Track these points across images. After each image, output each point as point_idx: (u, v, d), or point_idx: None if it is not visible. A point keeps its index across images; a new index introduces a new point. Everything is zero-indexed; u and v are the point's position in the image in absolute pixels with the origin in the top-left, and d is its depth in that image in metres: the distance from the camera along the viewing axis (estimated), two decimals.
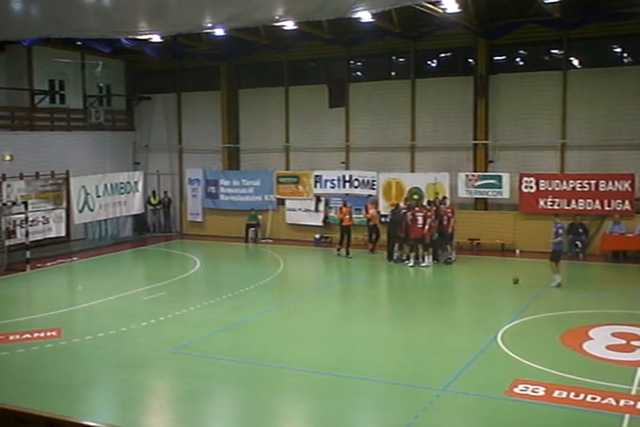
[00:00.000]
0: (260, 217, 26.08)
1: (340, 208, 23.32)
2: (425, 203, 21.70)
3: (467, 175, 23.21)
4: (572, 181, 21.92)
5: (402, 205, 21.78)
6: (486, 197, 23.15)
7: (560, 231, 17.81)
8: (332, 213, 25.32)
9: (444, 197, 22.12)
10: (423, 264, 20.55)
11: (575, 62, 22.76)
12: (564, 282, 17.78)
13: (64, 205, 24.17)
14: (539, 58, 23.32)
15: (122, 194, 26.20)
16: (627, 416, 9.40)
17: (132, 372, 11.71)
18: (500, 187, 22.74)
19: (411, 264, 20.67)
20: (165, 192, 28.53)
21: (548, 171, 22.59)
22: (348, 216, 22.66)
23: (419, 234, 20.37)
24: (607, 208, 21.44)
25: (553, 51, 23.09)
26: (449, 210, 21.21)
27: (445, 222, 20.85)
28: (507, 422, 9.54)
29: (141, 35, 12.76)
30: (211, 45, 24.94)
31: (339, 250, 22.54)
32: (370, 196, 24.05)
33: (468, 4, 20.41)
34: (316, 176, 25.49)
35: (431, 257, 20.69)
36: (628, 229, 21.03)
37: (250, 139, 27.50)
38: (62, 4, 5.26)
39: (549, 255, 17.85)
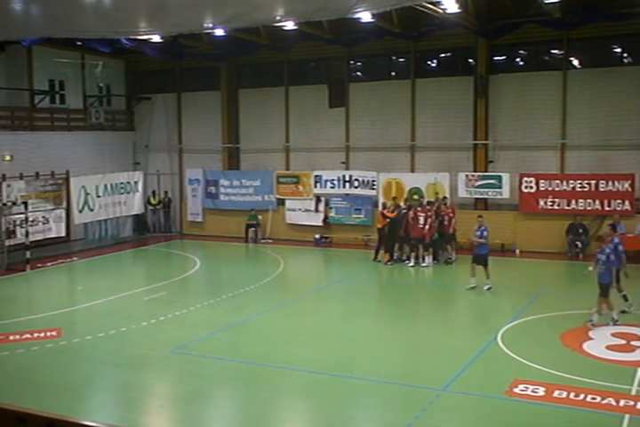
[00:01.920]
0: (259, 217, 26.07)
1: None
2: (425, 203, 21.70)
3: (467, 175, 23.21)
4: (571, 181, 21.91)
5: (402, 205, 21.76)
6: (486, 197, 23.14)
7: (485, 234, 17.20)
8: (332, 214, 25.33)
9: (445, 197, 22.12)
10: (423, 264, 20.54)
11: (575, 62, 22.75)
12: (566, 283, 17.69)
13: (64, 205, 24.18)
14: (539, 58, 23.32)
15: (122, 194, 26.18)
16: (627, 416, 9.40)
17: (132, 372, 11.72)
18: (500, 187, 22.74)
19: (411, 264, 20.67)
20: (166, 192, 28.53)
21: (548, 171, 22.58)
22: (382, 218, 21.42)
23: (419, 234, 20.38)
24: (607, 208, 21.44)
25: (553, 51, 23.08)
26: (449, 210, 21.21)
27: (446, 223, 20.85)
28: (507, 422, 9.54)
29: (142, 35, 12.76)
30: (211, 45, 24.95)
31: (388, 261, 21.06)
32: (395, 198, 22.93)
33: (468, 4, 20.41)
34: (316, 176, 25.49)
35: (431, 257, 20.68)
36: (628, 230, 21.02)
37: (250, 139, 27.50)
38: (63, 4, 5.26)
39: (472, 258, 17.38)
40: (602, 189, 21.46)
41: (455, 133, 23.84)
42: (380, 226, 21.35)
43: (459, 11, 19.09)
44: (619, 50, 22.32)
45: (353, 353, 12.58)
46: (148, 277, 20.91)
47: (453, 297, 18.12)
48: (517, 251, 22.35)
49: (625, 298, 14.78)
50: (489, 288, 17.10)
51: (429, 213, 20.65)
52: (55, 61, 25.41)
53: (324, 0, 4.84)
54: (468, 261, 21.19)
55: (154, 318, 14.81)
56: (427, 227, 20.41)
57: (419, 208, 20.91)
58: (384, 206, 22.12)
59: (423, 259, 20.66)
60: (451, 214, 21.04)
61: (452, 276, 20.10)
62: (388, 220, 21.14)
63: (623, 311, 14.50)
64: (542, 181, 22.24)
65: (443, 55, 24.75)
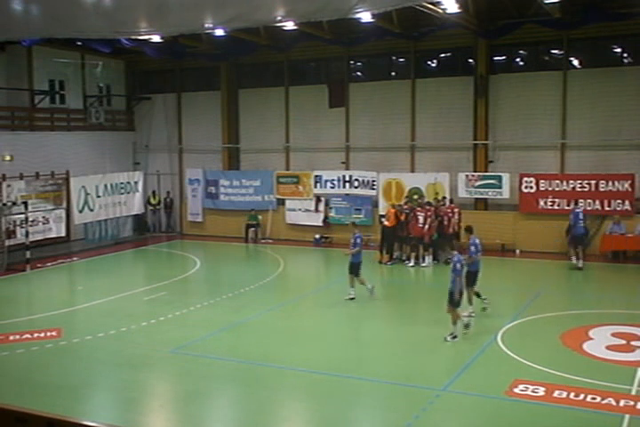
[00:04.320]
0: (260, 217, 26.07)
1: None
2: (424, 202, 21.70)
3: (467, 175, 23.20)
4: (571, 181, 21.91)
5: (404, 205, 21.73)
6: (486, 197, 23.13)
7: (358, 241, 16.19)
8: (332, 214, 25.33)
9: (444, 198, 22.08)
10: (423, 264, 20.53)
11: (575, 62, 22.75)
12: (566, 283, 17.57)
13: (64, 205, 24.18)
14: (539, 58, 23.32)
15: (122, 194, 26.19)
16: (627, 416, 9.40)
17: (132, 372, 11.72)
18: (500, 187, 22.73)
19: (411, 264, 20.67)
20: (168, 192, 28.53)
21: (548, 171, 22.58)
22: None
23: (419, 233, 20.38)
24: (607, 208, 21.44)
25: (553, 51, 23.08)
26: (449, 210, 21.18)
27: (445, 223, 20.84)
28: (507, 422, 9.54)
29: (143, 35, 12.77)
30: (211, 45, 24.94)
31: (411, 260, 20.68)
32: (407, 197, 22.83)
33: (468, 4, 20.40)
34: (316, 176, 25.49)
35: (431, 257, 20.67)
36: (628, 230, 21.03)
37: (250, 139, 27.50)
38: (64, 4, 5.26)
39: (348, 267, 16.28)
40: (602, 189, 21.46)
41: (455, 133, 23.84)
42: (389, 225, 21.16)
43: (459, 11, 19.09)
44: (619, 50, 22.31)
45: (353, 353, 12.58)
46: (148, 278, 20.91)
47: None
48: (517, 251, 22.35)
49: (478, 295, 14.66)
50: (351, 298, 16.19)
51: (429, 213, 20.64)
52: (55, 61, 25.40)
53: (324, 0, 4.85)
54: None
55: (154, 319, 14.81)
56: (426, 226, 20.40)
57: (418, 208, 20.91)
58: (396, 206, 21.58)
59: (423, 259, 20.65)
60: (450, 214, 21.02)
61: None
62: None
63: (484, 309, 14.57)
64: (542, 181, 22.24)
65: (443, 55, 24.74)
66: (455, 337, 12.92)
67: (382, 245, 21.35)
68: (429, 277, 19.94)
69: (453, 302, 12.96)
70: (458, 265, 13.03)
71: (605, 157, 22.01)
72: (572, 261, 19.69)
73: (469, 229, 15.00)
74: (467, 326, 13.14)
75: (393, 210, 21.32)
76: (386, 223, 21.28)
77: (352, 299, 16.17)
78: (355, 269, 16.21)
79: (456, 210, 21.33)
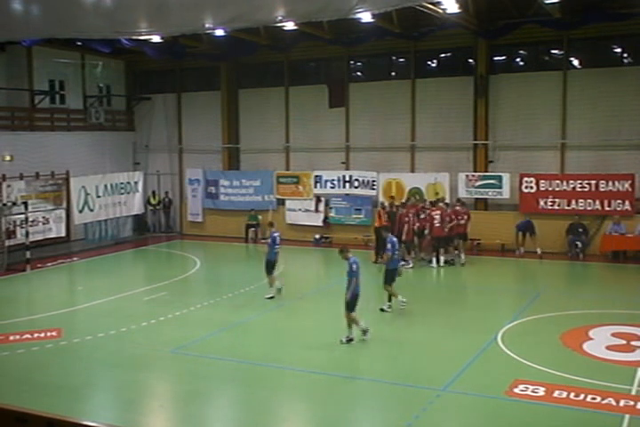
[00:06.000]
0: (260, 217, 26.06)
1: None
2: (427, 203, 21.75)
3: (467, 175, 23.21)
4: (572, 181, 21.91)
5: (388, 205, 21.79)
6: (486, 197, 23.14)
7: (270, 240, 16.63)
8: (332, 214, 25.32)
9: (438, 200, 22.04)
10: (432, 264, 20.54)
11: (575, 62, 22.76)
12: (566, 283, 17.56)
13: (64, 205, 24.18)
14: (539, 58, 23.33)
15: (122, 194, 26.19)
16: (627, 416, 9.40)
17: (132, 372, 11.72)
18: (500, 187, 22.74)
19: (410, 266, 20.63)
20: (167, 192, 28.52)
21: (548, 171, 22.58)
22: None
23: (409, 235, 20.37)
24: (607, 208, 21.44)
25: (553, 51, 23.09)
26: (461, 212, 21.11)
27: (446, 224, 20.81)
28: (507, 422, 9.54)
29: (143, 35, 12.78)
30: (211, 45, 24.94)
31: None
32: (392, 197, 23.06)
33: (468, 4, 20.40)
34: (316, 176, 25.49)
35: (434, 258, 20.65)
36: (628, 230, 21.03)
37: (250, 139, 27.50)
38: (64, 4, 5.26)
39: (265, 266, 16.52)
40: (602, 189, 21.46)
41: (455, 133, 23.84)
42: (377, 225, 21.09)
43: (459, 11, 19.08)
44: (619, 50, 22.31)
45: (353, 353, 12.58)
46: (148, 278, 20.91)
47: (453, 297, 18.11)
48: (517, 251, 22.32)
49: (389, 298, 15.13)
50: (271, 297, 16.41)
51: (414, 213, 20.71)
52: (55, 61, 25.41)
53: (324, 1, 4.85)
54: (469, 262, 21.24)
55: (154, 319, 14.81)
56: (416, 226, 20.40)
57: (403, 210, 20.83)
58: (382, 206, 21.97)
59: (433, 260, 20.63)
60: (451, 216, 20.90)
61: (453, 276, 20.09)
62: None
63: (382, 309, 15.05)
64: (542, 181, 22.24)
65: (443, 55, 24.74)
66: (351, 340, 12.81)
67: (377, 246, 21.38)
68: (429, 278, 19.91)
69: (350, 306, 12.85)
70: (354, 266, 12.86)
71: (605, 157, 22.01)
72: (519, 252, 21.56)
73: (388, 229, 16.67)
74: (364, 332, 12.91)
75: (382, 210, 21.37)
76: (375, 224, 21.39)
77: (272, 298, 16.41)
78: (267, 267, 16.53)
79: (458, 208, 21.29)
